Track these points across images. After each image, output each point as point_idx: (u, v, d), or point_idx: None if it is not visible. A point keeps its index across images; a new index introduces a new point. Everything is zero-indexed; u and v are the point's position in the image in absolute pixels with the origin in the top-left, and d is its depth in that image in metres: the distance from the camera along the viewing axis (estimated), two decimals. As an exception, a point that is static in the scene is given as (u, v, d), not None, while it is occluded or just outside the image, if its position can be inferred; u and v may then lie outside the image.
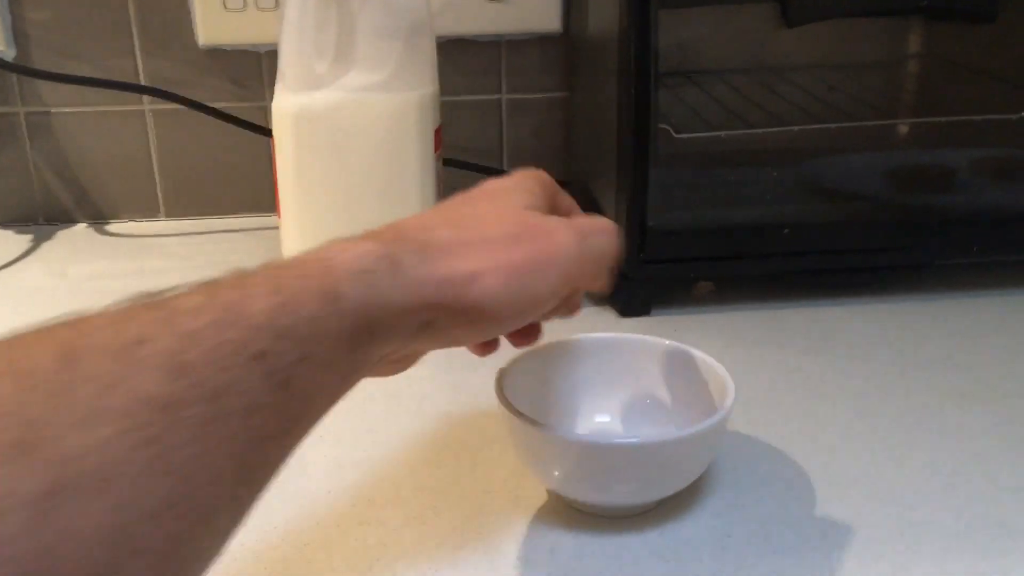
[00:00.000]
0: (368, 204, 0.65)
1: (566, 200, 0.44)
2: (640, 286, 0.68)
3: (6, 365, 0.24)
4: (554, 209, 0.42)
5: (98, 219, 0.89)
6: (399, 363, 0.40)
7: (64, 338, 0.25)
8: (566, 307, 0.44)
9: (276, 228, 0.69)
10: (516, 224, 0.37)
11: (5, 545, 0.22)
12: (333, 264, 0.31)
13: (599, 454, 0.44)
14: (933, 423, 0.55)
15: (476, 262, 0.35)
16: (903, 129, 0.80)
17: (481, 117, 0.89)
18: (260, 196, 0.89)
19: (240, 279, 0.29)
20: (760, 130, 0.73)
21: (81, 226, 0.89)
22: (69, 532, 0.23)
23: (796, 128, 0.73)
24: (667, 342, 0.52)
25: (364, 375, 0.33)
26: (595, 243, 0.39)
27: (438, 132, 0.66)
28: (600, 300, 0.70)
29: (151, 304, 0.27)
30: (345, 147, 0.64)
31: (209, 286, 0.28)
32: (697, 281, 0.73)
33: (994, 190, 0.74)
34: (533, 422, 0.44)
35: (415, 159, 0.65)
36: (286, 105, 0.63)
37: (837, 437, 0.54)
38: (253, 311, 0.28)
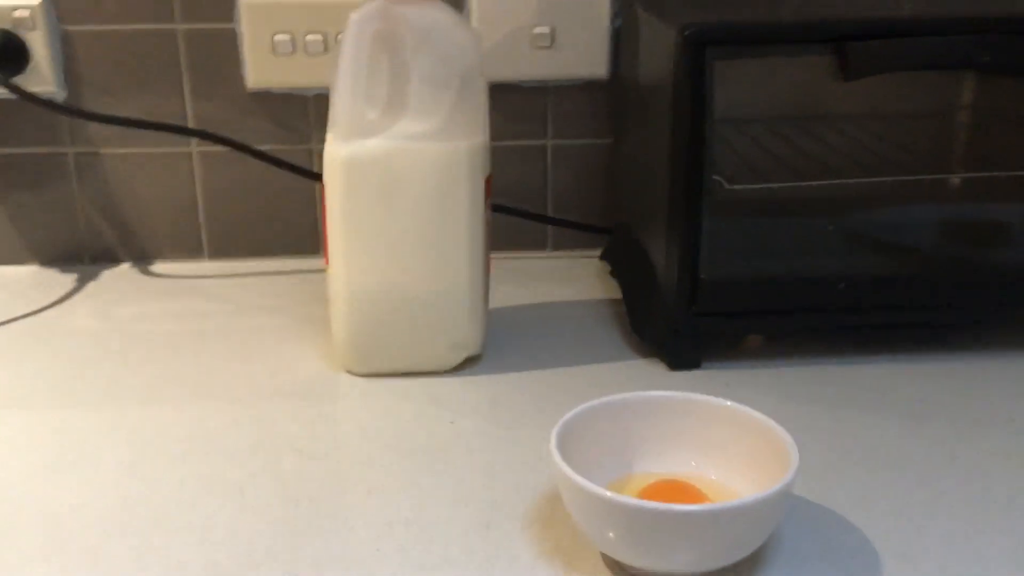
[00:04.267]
0: (416, 252, 0.64)
1: None
2: (691, 339, 0.67)
3: None
4: None
5: (142, 259, 0.90)
6: None
7: None
8: None
9: (320, 271, 0.69)
10: None
11: None
12: None
13: (655, 520, 0.43)
14: (999, 490, 0.53)
15: None
16: (957, 182, 0.78)
17: (525, 162, 0.89)
18: (304, 239, 0.89)
19: None
20: (813, 183, 0.72)
21: (125, 266, 0.89)
22: None
23: (850, 181, 0.71)
24: (727, 402, 0.50)
25: None
26: None
27: (488, 181, 0.66)
28: (650, 353, 0.69)
29: None
30: (395, 195, 0.63)
31: None
32: (748, 335, 0.72)
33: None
34: (589, 484, 0.43)
35: (465, 208, 0.64)
36: (337, 152, 0.63)
37: (900, 504, 0.52)
38: None
